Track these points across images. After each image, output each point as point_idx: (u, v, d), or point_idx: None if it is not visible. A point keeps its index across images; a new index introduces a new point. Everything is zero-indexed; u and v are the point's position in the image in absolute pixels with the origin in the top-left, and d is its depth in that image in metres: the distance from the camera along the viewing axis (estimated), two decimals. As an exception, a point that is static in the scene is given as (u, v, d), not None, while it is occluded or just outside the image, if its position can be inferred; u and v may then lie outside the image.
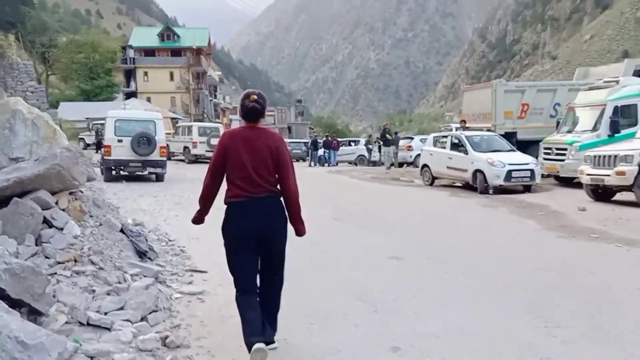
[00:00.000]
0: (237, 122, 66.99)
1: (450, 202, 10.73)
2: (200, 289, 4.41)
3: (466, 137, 12.72)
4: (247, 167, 3.01)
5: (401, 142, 25.43)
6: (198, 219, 3.30)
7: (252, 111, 3.08)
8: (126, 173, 13.68)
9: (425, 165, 14.02)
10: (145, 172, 13.61)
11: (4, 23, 41.36)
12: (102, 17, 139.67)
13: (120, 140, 12.98)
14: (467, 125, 16.01)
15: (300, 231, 3.31)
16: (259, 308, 3.04)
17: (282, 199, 3.16)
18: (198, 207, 3.25)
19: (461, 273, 4.98)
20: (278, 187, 3.15)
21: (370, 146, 25.60)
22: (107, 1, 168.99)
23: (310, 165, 26.04)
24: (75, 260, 4.00)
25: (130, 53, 53.32)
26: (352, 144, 29.85)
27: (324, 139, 28.03)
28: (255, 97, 3.09)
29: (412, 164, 23.33)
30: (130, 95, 48.48)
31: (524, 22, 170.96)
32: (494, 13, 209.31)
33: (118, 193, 10.78)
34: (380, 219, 8.45)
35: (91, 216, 4.91)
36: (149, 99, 47.21)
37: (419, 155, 23.48)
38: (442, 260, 5.57)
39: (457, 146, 12.88)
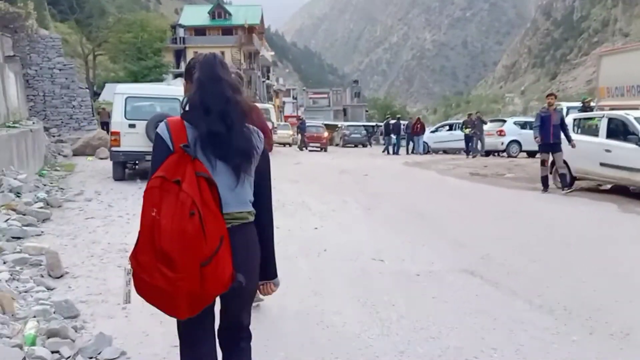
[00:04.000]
0: (290, 105, 63.58)
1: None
2: None
3: (637, 119, 8.31)
4: None
5: (489, 126, 20.86)
6: None
7: None
8: (144, 167, 10.16)
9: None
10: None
11: (64, 8, 40.67)
12: (160, 3, 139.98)
13: (132, 126, 9.41)
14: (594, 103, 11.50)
15: None
16: None
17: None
18: None
19: None
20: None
21: (468, 131, 19.02)
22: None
23: (386, 153, 21.90)
24: None
25: (180, 32, 50.86)
26: (455, 128, 22.43)
27: (402, 122, 23.66)
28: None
29: (505, 152, 18.87)
30: (179, 76, 45.99)
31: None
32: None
33: (115, 203, 7.24)
34: (567, 285, 4.38)
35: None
36: (198, 80, 44.51)
37: (513, 141, 19.14)
38: None
39: (618, 134, 8.52)
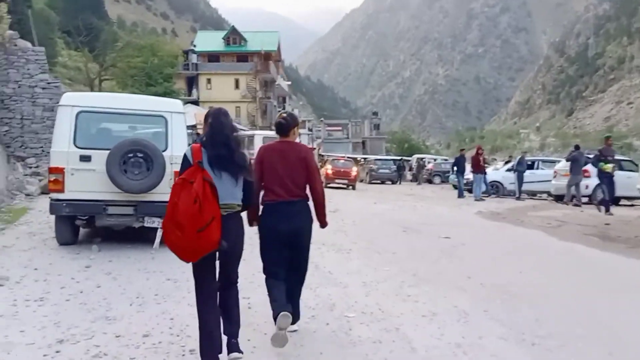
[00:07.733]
0: (305, 137, 60.24)
1: None
2: None
3: None
4: (282, 175, 3.57)
5: (560, 165, 16.84)
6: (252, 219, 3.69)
7: (278, 125, 3.71)
8: (106, 225, 6.19)
9: None
10: (141, 224, 5.96)
11: (75, 36, 38.79)
12: (177, 35, 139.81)
13: (85, 158, 5.65)
14: None
15: (323, 223, 3.86)
16: (284, 288, 3.58)
17: (309, 202, 3.71)
18: None
19: None
20: (307, 192, 3.71)
21: (611, 167, 12.63)
22: (182, 20, 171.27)
23: (460, 197, 17.31)
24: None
25: (193, 58, 48.07)
26: (536, 166, 18.35)
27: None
28: (284, 115, 3.76)
29: (590, 198, 14.85)
30: (192, 103, 42.91)
31: (607, 35, 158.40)
32: (572, 27, 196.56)
33: (13, 317, 3.46)
34: None
35: None
36: (210, 109, 41.36)
37: (599, 185, 15.18)
38: None
39: None
